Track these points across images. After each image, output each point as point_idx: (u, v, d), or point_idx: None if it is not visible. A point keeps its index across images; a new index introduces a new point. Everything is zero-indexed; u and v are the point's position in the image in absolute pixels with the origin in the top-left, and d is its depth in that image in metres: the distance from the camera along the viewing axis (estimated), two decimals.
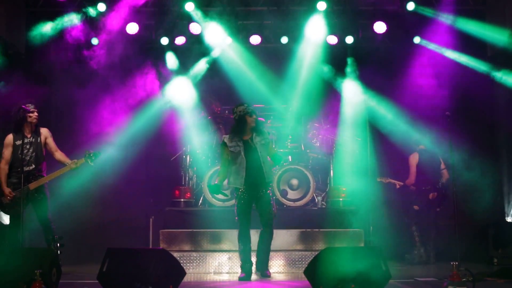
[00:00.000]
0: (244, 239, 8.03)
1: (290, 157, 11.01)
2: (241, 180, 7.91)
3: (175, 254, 7.14)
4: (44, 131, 8.31)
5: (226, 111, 11.46)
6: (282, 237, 9.27)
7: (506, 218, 10.25)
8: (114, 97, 10.62)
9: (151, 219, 10.12)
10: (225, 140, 8.05)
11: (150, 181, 11.16)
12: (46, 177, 8.10)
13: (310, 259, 7.19)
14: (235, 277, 8.26)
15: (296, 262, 8.76)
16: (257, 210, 8.07)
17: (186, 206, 10.63)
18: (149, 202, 10.80)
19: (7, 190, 7.98)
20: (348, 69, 11.38)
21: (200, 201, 10.87)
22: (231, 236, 9.24)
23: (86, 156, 8.06)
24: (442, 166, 9.54)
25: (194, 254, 8.91)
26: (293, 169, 10.45)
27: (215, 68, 11.70)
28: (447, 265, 6.11)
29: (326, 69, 11.56)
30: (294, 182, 10.42)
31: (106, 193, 10.46)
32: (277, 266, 8.79)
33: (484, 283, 6.85)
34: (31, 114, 8.08)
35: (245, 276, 7.87)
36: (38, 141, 8.19)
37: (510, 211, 10.33)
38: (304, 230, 9.29)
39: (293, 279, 8.14)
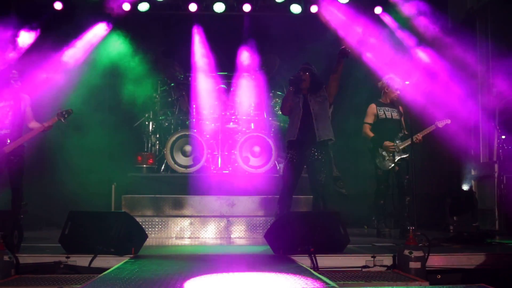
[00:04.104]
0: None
1: (252, 124, 11.07)
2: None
3: (137, 219, 7.18)
4: (26, 99, 8.24)
5: (190, 78, 11.45)
6: (244, 204, 9.38)
7: (461, 186, 10.46)
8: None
9: (113, 185, 10.12)
10: None
11: (112, 147, 11.11)
12: (19, 139, 7.97)
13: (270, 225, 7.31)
14: (197, 242, 8.36)
15: (257, 227, 8.88)
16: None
17: (149, 172, 10.67)
18: (111, 168, 10.80)
19: None
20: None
21: (163, 167, 10.90)
22: (193, 202, 9.35)
23: (59, 115, 8.00)
24: None
25: (156, 219, 8.96)
26: (255, 136, 10.53)
27: (181, 35, 11.63)
28: (400, 229, 6.24)
29: None
30: (256, 149, 10.51)
31: (69, 159, 10.41)
32: (238, 232, 8.90)
33: (440, 247, 7.03)
34: (14, 82, 8.11)
35: None
36: (19, 106, 8.12)
37: (465, 180, 10.55)
38: (265, 196, 9.39)
39: (254, 243, 8.26)
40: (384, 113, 8.78)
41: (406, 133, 8.67)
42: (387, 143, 8.62)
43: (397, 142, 8.60)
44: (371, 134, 8.80)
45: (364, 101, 9.40)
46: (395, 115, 8.77)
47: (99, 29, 11.11)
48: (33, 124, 8.18)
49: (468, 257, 6.47)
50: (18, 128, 8.10)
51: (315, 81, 7.87)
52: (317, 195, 7.81)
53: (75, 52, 10.69)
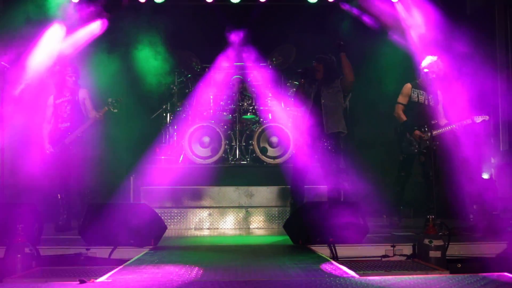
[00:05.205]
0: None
1: (270, 114, 11.04)
2: None
3: (156, 211, 7.19)
4: (83, 92, 8.68)
5: (206, 69, 11.44)
6: (262, 194, 9.36)
7: (481, 175, 10.37)
8: None
9: (132, 177, 10.14)
10: None
11: (130, 139, 11.13)
12: (76, 131, 8.44)
13: (289, 215, 7.30)
14: (216, 233, 8.37)
15: (276, 218, 8.88)
16: None
17: (167, 164, 10.68)
18: (130, 160, 10.84)
19: (47, 146, 8.49)
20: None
21: (181, 159, 10.91)
22: (212, 193, 9.34)
23: (109, 104, 8.46)
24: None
25: (175, 210, 8.99)
26: (273, 126, 10.50)
27: (198, 26, 11.60)
28: (424, 220, 6.23)
29: None
30: (274, 139, 10.47)
31: (87, 151, 10.46)
32: (257, 222, 8.91)
33: (460, 236, 6.99)
34: (69, 78, 8.59)
35: None
36: (76, 99, 8.58)
37: (485, 168, 10.47)
38: (283, 186, 9.36)
39: (273, 234, 8.26)
40: (418, 96, 8.41)
41: (439, 122, 8.39)
42: (417, 132, 8.31)
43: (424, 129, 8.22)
44: (404, 118, 8.46)
45: (386, 91, 9.36)
46: (429, 100, 8.31)
47: (114, 21, 11.08)
48: (93, 114, 8.58)
49: (488, 246, 6.45)
50: (78, 121, 8.56)
51: (329, 71, 7.82)
52: (330, 185, 7.80)
53: (90, 44, 10.69)
